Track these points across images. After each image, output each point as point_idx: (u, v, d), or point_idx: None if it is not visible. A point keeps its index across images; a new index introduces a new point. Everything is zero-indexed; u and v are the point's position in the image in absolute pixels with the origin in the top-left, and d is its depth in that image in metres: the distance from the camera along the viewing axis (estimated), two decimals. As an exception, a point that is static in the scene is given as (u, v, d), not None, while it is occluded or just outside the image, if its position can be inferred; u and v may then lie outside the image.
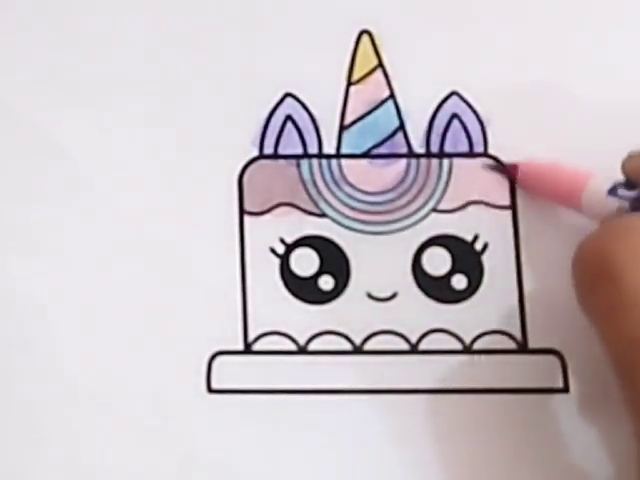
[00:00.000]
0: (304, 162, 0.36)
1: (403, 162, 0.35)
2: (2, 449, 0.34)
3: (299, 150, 0.36)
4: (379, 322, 0.35)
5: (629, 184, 0.32)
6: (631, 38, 0.36)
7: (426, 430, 0.34)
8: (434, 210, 0.35)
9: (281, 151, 0.36)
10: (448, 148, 0.35)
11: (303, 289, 0.35)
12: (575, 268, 0.30)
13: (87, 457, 0.34)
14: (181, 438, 0.34)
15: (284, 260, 0.35)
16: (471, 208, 0.35)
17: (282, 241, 0.35)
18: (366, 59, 0.36)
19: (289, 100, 0.36)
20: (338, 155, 0.36)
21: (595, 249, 0.29)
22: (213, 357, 0.35)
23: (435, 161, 0.35)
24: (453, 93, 0.36)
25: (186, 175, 0.36)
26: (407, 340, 0.34)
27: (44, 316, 0.35)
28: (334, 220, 0.35)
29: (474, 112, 0.35)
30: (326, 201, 0.35)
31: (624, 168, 0.32)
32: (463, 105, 0.36)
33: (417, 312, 0.35)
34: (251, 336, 0.35)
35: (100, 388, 0.34)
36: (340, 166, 0.35)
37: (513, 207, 0.35)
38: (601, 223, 0.31)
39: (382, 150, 0.36)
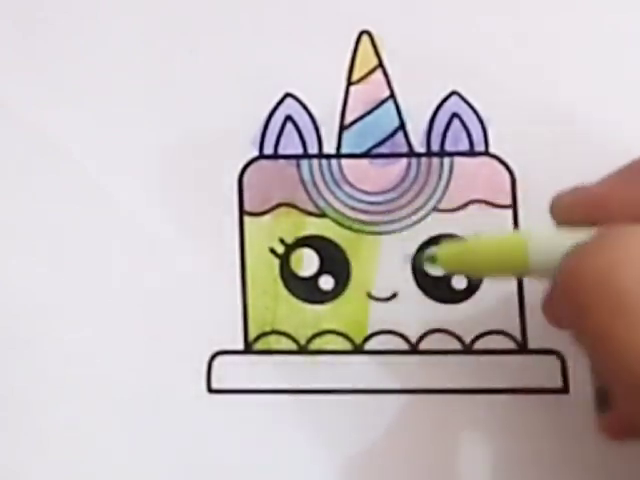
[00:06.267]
0: (304, 162, 0.35)
1: (403, 162, 0.35)
2: (2, 449, 0.35)
3: (299, 150, 0.36)
4: (379, 322, 0.35)
5: None
6: (631, 36, 0.36)
7: (426, 430, 0.34)
8: (435, 209, 0.35)
9: (281, 151, 0.36)
10: (449, 147, 0.35)
11: (303, 289, 0.35)
12: (569, 289, 0.26)
13: (87, 457, 0.34)
14: (181, 438, 0.34)
15: (284, 260, 0.35)
16: (472, 207, 0.35)
17: (282, 241, 0.35)
18: (366, 59, 0.36)
19: (289, 100, 0.36)
20: (338, 155, 0.35)
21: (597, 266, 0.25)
22: (213, 357, 0.35)
23: (436, 160, 0.35)
24: (453, 93, 0.35)
25: (186, 175, 0.36)
26: (407, 340, 0.34)
27: (44, 316, 0.35)
28: (334, 220, 0.35)
29: (474, 112, 0.35)
30: (326, 201, 0.35)
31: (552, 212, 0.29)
32: (463, 105, 0.35)
33: (417, 312, 0.34)
34: (251, 336, 0.35)
35: (100, 388, 0.35)
36: (340, 166, 0.35)
37: (514, 206, 0.35)
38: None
39: (382, 150, 0.35)
